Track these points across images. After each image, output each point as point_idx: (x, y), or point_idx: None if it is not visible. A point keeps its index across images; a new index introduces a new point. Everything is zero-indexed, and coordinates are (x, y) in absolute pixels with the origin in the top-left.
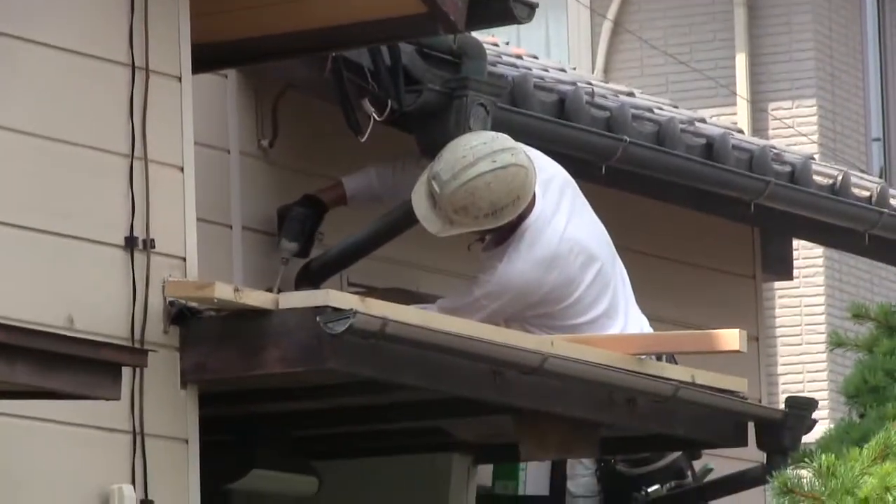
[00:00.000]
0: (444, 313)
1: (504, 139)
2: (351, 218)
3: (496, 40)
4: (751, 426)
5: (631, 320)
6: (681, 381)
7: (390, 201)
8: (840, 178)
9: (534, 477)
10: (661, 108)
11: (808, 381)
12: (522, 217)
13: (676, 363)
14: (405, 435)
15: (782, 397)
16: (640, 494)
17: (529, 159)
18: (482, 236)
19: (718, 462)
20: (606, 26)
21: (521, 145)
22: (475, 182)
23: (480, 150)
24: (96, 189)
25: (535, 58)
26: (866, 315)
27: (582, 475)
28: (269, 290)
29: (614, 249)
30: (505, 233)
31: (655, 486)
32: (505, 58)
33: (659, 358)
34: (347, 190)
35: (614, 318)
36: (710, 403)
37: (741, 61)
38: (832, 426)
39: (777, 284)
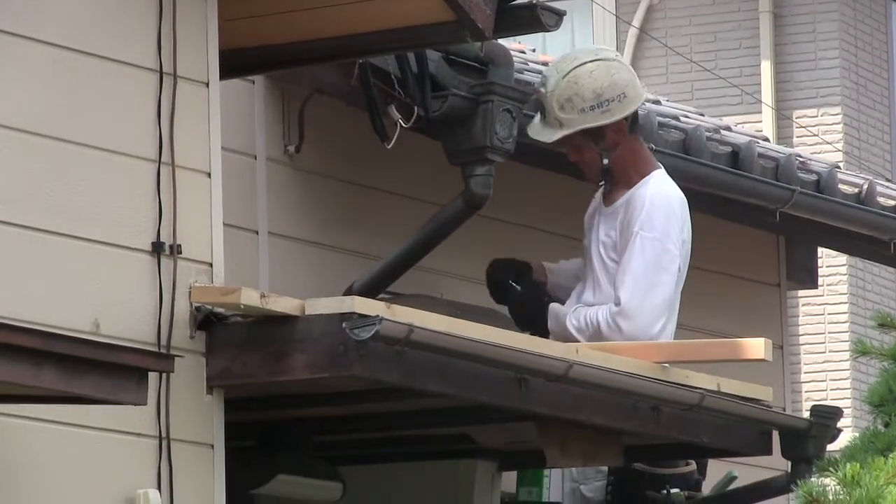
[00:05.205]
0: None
1: (612, 51)
2: (392, 233)
3: (523, 47)
4: (775, 435)
5: None
6: (706, 390)
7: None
8: (865, 186)
9: (557, 483)
10: (686, 116)
11: (832, 390)
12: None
13: None
14: (429, 441)
15: (805, 405)
16: (659, 494)
17: (632, 72)
18: (601, 176)
19: (743, 470)
20: (632, 33)
21: None
22: (577, 70)
23: (583, 50)
24: (123, 194)
25: None
26: (891, 324)
27: (595, 479)
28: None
29: None
30: (631, 175)
31: (675, 490)
32: (532, 65)
33: None
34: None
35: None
36: (734, 412)
37: (766, 69)
38: (857, 435)
39: (801, 293)
